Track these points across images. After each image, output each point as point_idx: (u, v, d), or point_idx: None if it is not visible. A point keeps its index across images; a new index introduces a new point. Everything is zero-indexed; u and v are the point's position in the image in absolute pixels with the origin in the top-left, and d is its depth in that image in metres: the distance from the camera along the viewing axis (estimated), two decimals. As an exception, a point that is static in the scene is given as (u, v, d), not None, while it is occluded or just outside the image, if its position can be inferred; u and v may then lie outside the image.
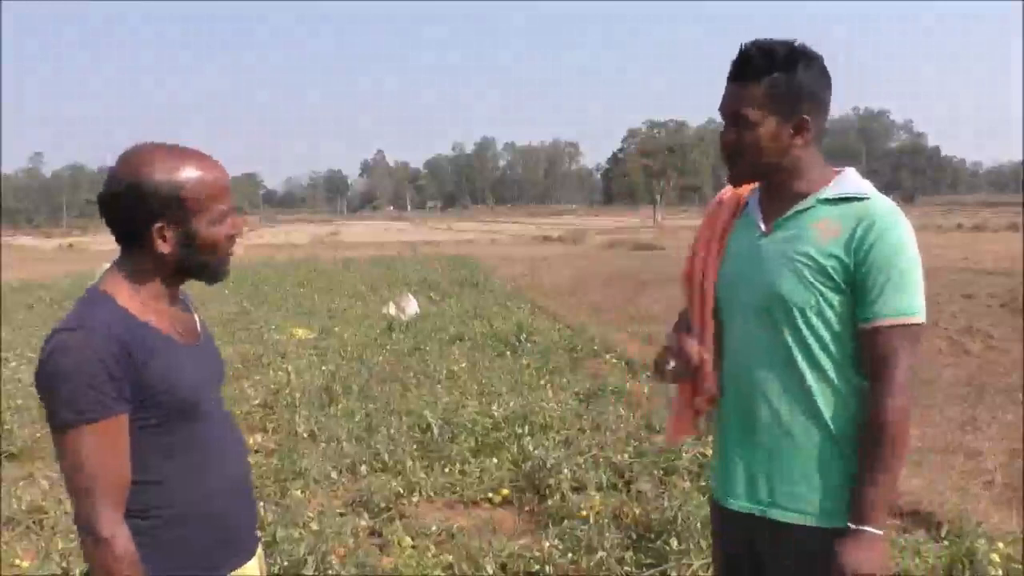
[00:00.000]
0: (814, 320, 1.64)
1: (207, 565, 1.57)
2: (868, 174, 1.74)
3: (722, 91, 1.70)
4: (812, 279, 1.63)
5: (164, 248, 1.51)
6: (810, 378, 1.65)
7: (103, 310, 1.47)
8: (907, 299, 1.59)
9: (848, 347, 1.64)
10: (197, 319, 1.68)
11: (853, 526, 1.59)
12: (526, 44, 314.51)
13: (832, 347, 1.64)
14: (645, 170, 72.72)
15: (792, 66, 1.62)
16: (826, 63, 1.69)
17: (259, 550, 1.75)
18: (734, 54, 1.67)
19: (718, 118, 1.71)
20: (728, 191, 1.88)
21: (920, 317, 1.60)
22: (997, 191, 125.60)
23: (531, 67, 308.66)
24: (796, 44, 1.65)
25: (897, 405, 1.58)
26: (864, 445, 1.61)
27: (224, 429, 1.66)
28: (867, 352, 1.62)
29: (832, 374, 1.65)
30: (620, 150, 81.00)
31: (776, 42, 1.65)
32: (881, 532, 1.60)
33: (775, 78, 1.62)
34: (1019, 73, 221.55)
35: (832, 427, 1.65)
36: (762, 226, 1.73)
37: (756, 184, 1.79)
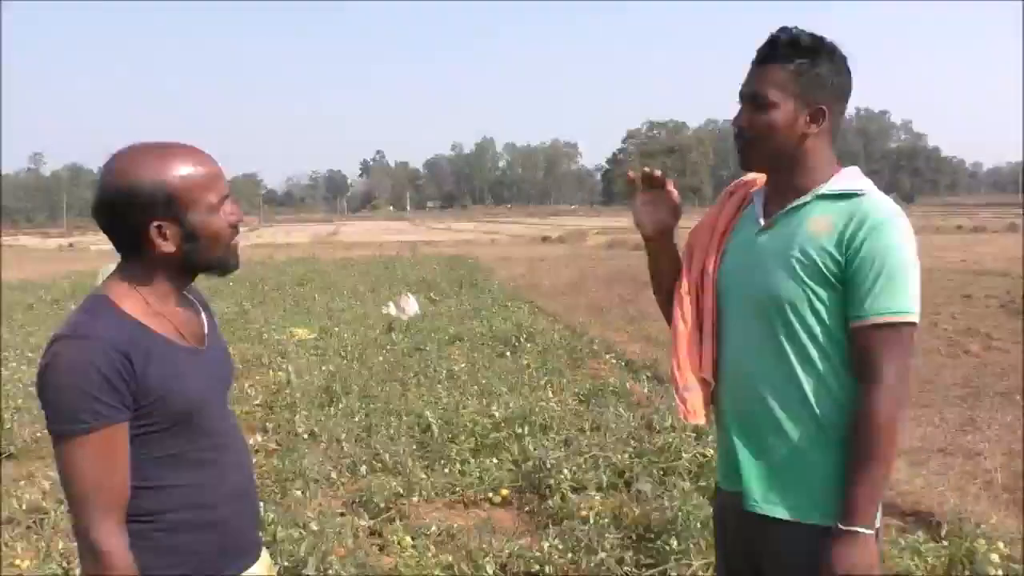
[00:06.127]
0: (806, 316, 1.64)
1: (208, 570, 1.55)
2: (867, 175, 1.74)
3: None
4: (804, 275, 1.63)
5: (167, 247, 1.47)
6: (801, 374, 1.65)
7: (102, 316, 1.44)
8: (897, 298, 1.58)
9: (840, 344, 1.64)
10: (205, 319, 1.64)
11: (843, 527, 1.57)
12: (526, 43, 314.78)
13: (824, 343, 1.64)
14: (645, 170, 72.65)
15: (817, 55, 1.65)
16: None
17: (264, 554, 1.72)
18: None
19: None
20: (739, 185, 1.87)
21: (911, 317, 1.59)
22: (997, 192, 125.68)
23: (531, 67, 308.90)
24: (824, 37, 1.68)
25: (885, 406, 1.56)
26: (853, 445, 1.60)
27: (228, 434, 1.63)
28: (857, 351, 1.61)
29: (824, 370, 1.64)
30: (620, 150, 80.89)
31: (804, 32, 1.67)
32: (872, 532, 1.58)
33: (799, 64, 1.65)
34: (1019, 73, 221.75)
35: (824, 424, 1.65)
36: (761, 221, 1.74)
37: (765, 180, 1.79)
